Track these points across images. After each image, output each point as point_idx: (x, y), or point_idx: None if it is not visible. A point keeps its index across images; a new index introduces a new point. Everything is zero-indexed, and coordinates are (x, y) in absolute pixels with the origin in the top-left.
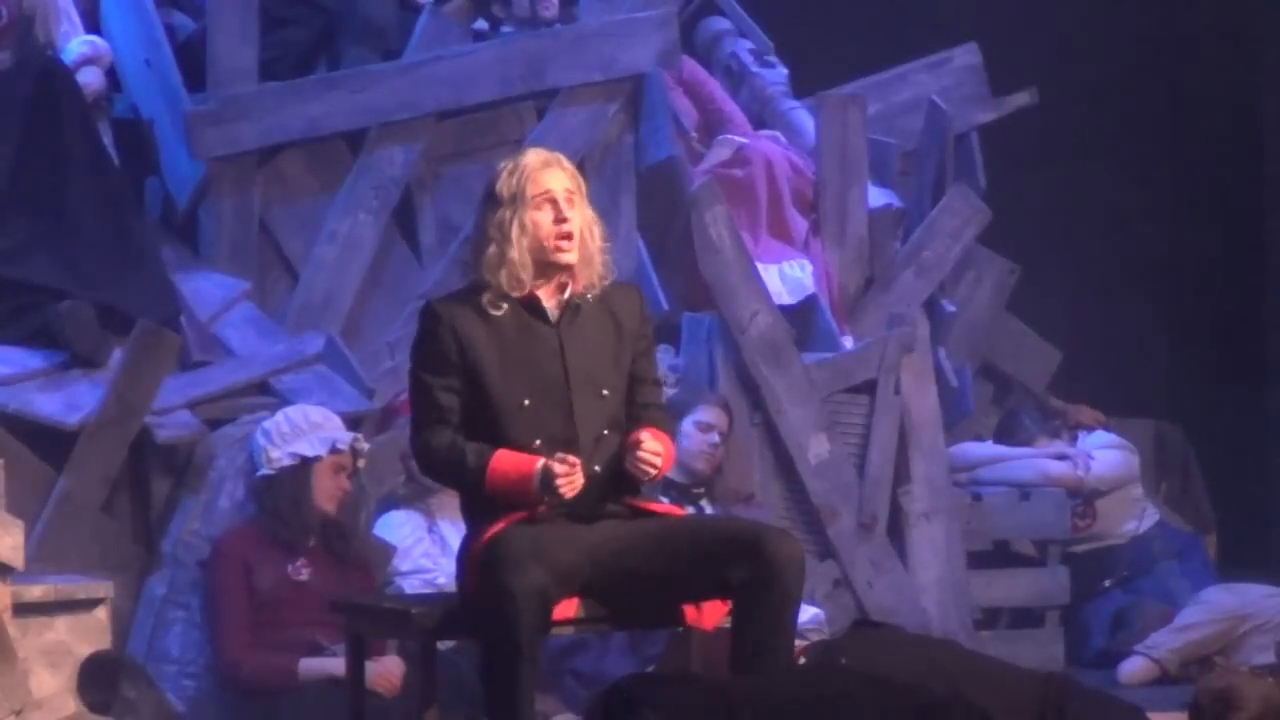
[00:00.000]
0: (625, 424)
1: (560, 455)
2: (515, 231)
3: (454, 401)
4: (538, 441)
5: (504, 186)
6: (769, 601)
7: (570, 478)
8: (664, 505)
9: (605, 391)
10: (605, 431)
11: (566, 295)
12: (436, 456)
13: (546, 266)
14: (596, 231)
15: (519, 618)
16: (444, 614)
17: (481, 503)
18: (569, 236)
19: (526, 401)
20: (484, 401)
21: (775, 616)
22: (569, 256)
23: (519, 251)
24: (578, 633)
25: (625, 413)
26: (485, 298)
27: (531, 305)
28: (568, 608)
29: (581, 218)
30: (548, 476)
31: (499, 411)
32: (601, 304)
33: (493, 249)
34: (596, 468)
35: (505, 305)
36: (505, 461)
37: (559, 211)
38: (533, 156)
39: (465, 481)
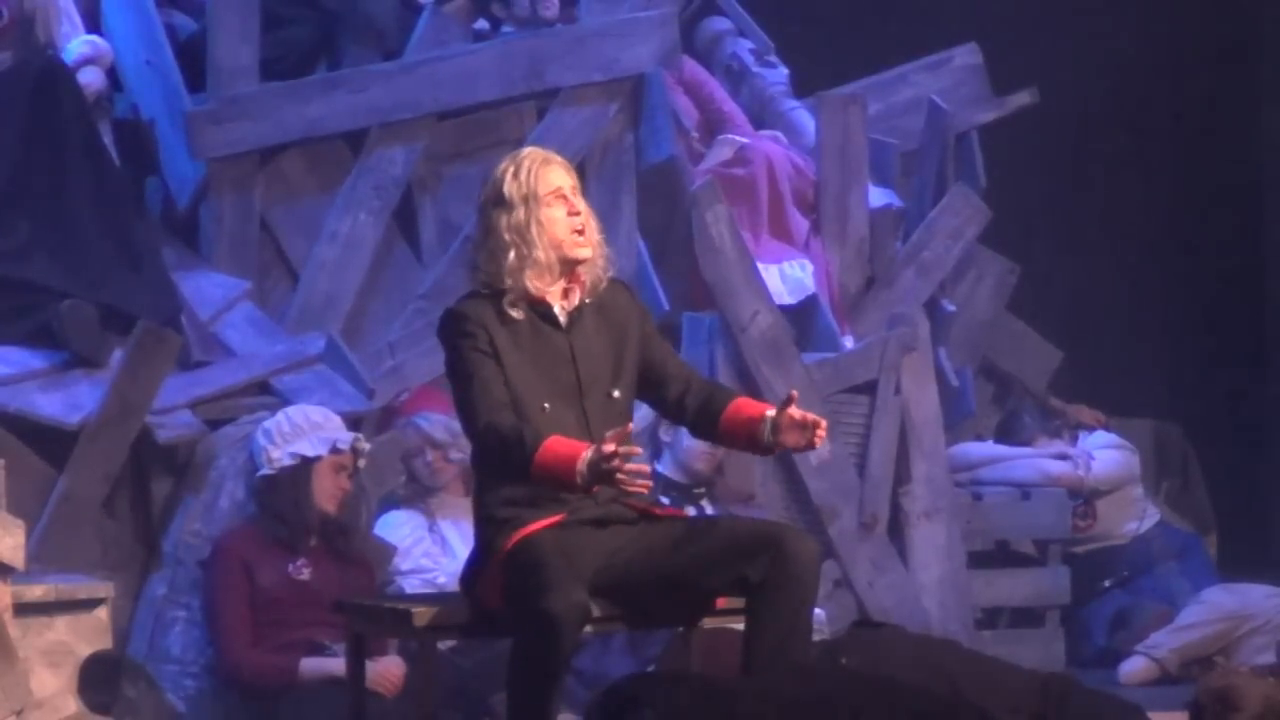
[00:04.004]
0: (673, 397)
1: (626, 448)
2: (535, 231)
3: (504, 388)
4: None
5: (512, 188)
6: (788, 600)
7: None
8: (666, 508)
9: (615, 393)
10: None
11: (575, 300)
12: (499, 434)
13: (564, 264)
14: (594, 224)
15: (561, 640)
16: (444, 614)
17: (498, 505)
18: (582, 231)
19: (546, 405)
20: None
21: (793, 616)
22: (584, 251)
23: (543, 250)
24: (595, 633)
25: (670, 388)
26: (505, 300)
27: (542, 310)
28: None
29: (586, 211)
30: (596, 461)
31: (523, 414)
32: (598, 307)
33: (513, 254)
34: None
35: (521, 310)
36: (559, 444)
37: (571, 206)
38: (532, 155)
39: (513, 457)
